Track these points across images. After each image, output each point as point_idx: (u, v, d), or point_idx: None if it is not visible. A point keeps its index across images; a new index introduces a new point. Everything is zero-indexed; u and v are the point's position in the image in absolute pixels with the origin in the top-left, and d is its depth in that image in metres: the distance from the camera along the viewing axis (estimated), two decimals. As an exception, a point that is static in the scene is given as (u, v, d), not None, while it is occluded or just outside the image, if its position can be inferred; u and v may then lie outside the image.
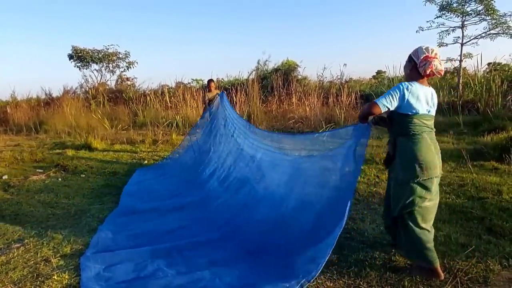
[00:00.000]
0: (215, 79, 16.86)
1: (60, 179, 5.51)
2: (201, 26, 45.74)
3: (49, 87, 17.51)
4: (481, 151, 5.43)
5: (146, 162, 6.64)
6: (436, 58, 2.30)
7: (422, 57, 2.31)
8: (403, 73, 2.57)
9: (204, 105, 7.18)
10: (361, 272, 2.50)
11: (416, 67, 2.35)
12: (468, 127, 7.99)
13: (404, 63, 2.48)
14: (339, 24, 44.84)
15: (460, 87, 11.91)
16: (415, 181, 2.29)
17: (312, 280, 2.28)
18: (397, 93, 2.25)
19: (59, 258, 2.86)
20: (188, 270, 2.64)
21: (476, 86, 10.29)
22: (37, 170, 6.13)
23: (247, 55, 42.77)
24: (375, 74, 20.82)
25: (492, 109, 8.15)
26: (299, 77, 15.47)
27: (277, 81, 13.66)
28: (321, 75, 14.61)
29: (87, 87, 17.35)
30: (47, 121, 12.21)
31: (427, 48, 2.33)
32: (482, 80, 10.24)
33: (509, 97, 8.73)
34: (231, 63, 42.52)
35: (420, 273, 2.40)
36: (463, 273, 2.41)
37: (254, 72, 16.28)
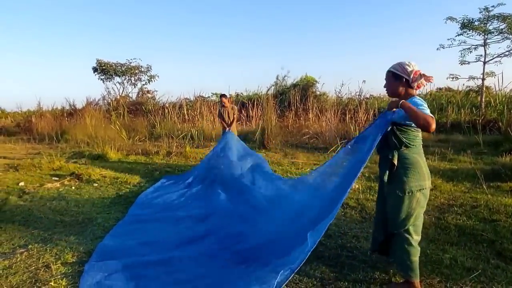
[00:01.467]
0: (234, 94, 17.28)
1: (73, 188, 5.65)
2: (223, 41, 46.64)
3: (73, 99, 18.15)
4: (498, 172, 5.23)
5: (158, 173, 6.73)
6: (420, 70, 2.39)
7: (412, 72, 2.36)
8: (387, 90, 2.52)
9: (221, 121, 7.03)
10: (358, 292, 2.43)
11: (409, 83, 2.39)
12: (488, 147, 7.73)
13: (386, 80, 2.51)
14: (360, 39, 44.76)
15: (483, 106, 11.60)
16: (421, 190, 2.35)
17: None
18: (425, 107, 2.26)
19: (60, 264, 2.91)
20: (187, 279, 2.64)
21: (499, 105, 9.99)
22: (53, 178, 6.30)
23: (267, 70, 43.21)
24: (395, 91, 20.55)
25: (514, 129, 7.86)
26: (317, 93, 15.47)
27: (295, 96, 13.72)
28: (339, 91, 14.58)
29: (109, 99, 17.96)
30: (68, 131, 12.63)
31: (409, 64, 2.39)
32: (504, 99, 9.94)
33: (533, 116, 8.41)
34: (251, 77, 42.99)
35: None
36: (466, 298, 2.30)
37: (272, 87, 16.46)
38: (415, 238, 2.39)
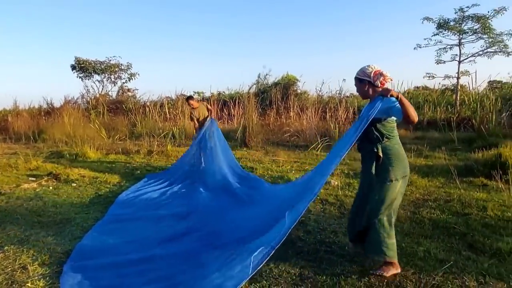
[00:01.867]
0: (215, 92, 17.22)
1: (51, 188, 5.53)
2: (204, 39, 46.28)
3: (50, 97, 17.70)
4: (471, 168, 5.44)
5: (138, 172, 6.67)
6: (380, 69, 2.63)
7: (371, 73, 2.61)
8: (360, 94, 2.80)
9: (193, 123, 6.88)
10: (335, 285, 2.49)
11: (372, 83, 2.63)
12: (462, 143, 8.01)
13: (356, 86, 2.76)
14: (342, 40, 45.30)
15: (457, 104, 11.98)
16: (405, 177, 2.59)
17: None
18: None
19: (37, 265, 2.85)
20: (169, 276, 2.65)
21: (472, 103, 10.35)
22: (30, 178, 6.15)
23: (249, 68, 43.15)
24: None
25: (487, 126, 8.17)
26: (298, 91, 15.61)
27: (276, 95, 13.80)
28: (319, 89, 14.77)
29: (88, 98, 17.58)
30: (46, 130, 12.30)
31: (369, 66, 2.66)
32: (477, 97, 10.31)
33: (504, 114, 8.76)
34: (233, 76, 42.90)
35: (390, 270, 2.57)
36: (437, 288, 2.39)
37: (254, 86, 16.50)
38: (393, 220, 2.62)
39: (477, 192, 4.51)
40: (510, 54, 11.84)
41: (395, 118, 2.55)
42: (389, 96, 2.39)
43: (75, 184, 5.75)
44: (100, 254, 3.08)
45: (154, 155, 8.25)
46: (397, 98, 2.37)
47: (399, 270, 2.60)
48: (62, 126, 12.01)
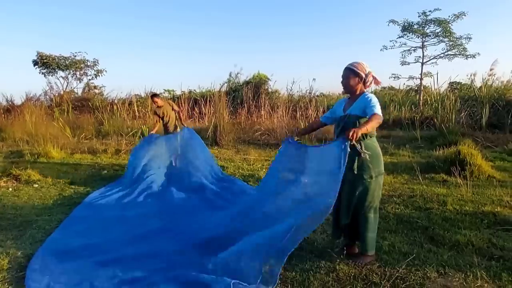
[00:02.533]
0: (187, 90, 16.96)
1: (10, 189, 5.27)
2: (174, 36, 45.49)
3: (10, 94, 16.70)
4: (433, 164, 5.70)
5: (105, 172, 6.47)
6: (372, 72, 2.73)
7: (369, 73, 2.69)
8: (345, 85, 2.79)
9: (155, 118, 6.67)
10: (305, 281, 2.53)
11: (364, 81, 2.69)
12: (425, 141, 8.37)
13: (344, 77, 2.76)
14: (313, 40, 46.02)
15: (421, 104, 12.51)
16: (382, 174, 2.73)
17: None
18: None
19: (-6, 271, 2.71)
20: (144, 276, 2.61)
21: (434, 103, 10.84)
22: (-13, 179, 5.81)
23: (221, 66, 42.88)
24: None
25: (447, 125, 8.59)
26: (269, 90, 15.70)
27: (247, 93, 13.82)
28: (290, 88, 14.93)
29: (52, 95, 16.83)
30: (5, 128, 11.66)
31: (366, 64, 2.70)
32: (439, 97, 10.81)
33: (463, 114, 9.25)
34: (205, 74, 42.38)
35: (368, 260, 2.75)
36: (401, 280, 2.49)
37: (225, 84, 16.45)
38: (376, 215, 2.77)
39: (438, 187, 4.74)
40: (468, 57, 12.52)
41: None
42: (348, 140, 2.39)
43: (37, 185, 5.50)
44: (66, 257, 2.96)
45: (122, 154, 8.03)
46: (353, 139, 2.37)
47: (373, 259, 2.79)
48: (23, 124, 11.41)
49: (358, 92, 2.73)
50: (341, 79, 2.80)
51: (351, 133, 2.34)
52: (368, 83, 2.72)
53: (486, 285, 2.43)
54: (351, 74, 2.72)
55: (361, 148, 2.56)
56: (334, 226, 3.00)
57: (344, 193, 2.77)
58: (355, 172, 2.63)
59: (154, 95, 6.56)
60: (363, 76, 2.70)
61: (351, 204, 2.73)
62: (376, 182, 2.67)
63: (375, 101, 2.57)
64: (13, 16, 34.61)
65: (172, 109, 6.65)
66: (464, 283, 2.46)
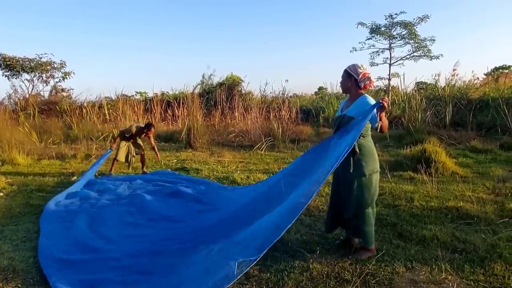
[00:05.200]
0: (159, 92, 16.66)
1: (-28, 198, 5.01)
2: (146, 37, 44.73)
3: (-30, 98, 15.87)
4: (401, 163, 5.92)
5: (75, 177, 6.27)
6: (370, 73, 2.85)
7: (361, 74, 2.77)
8: (341, 86, 2.98)
9: (118, 139, 6.37)
10: (279, 282, 2.58)
11: (357, 82, 2.79)
12: (394, 140, 8.67)
13: (341, 78, 2.92)
14: (285, 40, 46.55)
15: (389, 104, 12.94)
16: (377, 172, 2.86)
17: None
18: None
19: (-43, 286, 2.59)
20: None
21: (402, 103, 11.25)
22: None
23: (193, 68, 42.58)
24: (317, 90, 21.90)
25: (414, 124, 8.94)
26: (243, 91, 15.74)
27: (221, 95, 13.79)
28: (263, 90, 15.04)
29: (16, 98, 16.11)
30: (-35, 134, 11.03)
31: (361, 66, 2.81)
32: (406, 97, 11.23)
33: (428, 113, 9.65)
34: (177, 76, 42.04)
35: (366, 255, 2.86)
36: (371, 276, 2.59)
37: (198, 86, 16.33)
38: (373, 211, 2.92)
39: (406, 184, 4.94)
40: (433, 58, 13.10)
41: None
42: (380, 111, 2.59)
43: (1, 194, 5.25)
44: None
45: (92, 159, 7.80)
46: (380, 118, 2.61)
47: (374, 253, 2.90)
48: (-15, 129, 10.86)
49: (354, 93, 2.86)
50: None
51: (385, 103, 2.58)
52: (363, 85, 2.80)
53: (450, 277, 2.57)
54: (345, 75, 2.90)
55: (354, 147, 2.67)
56: (328, 220, 3.16)
57: (343, 191, 2.91)
58: (351, 171, 2.75)
59: (151, 125, 6.37)
60: (356, 77, 2.79)
61: (351, 202, 2.84)
62: (371, 180, 2.80)
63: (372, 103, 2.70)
64: (-29, 16, 32.86)
65: (152, 146, 6.64)
66: (430, 276, 2.59)
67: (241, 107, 12.41)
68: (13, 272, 2.80)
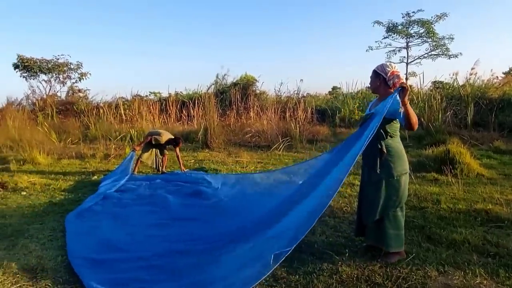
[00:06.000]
0: (173, 93, 16.75)
1: (-3, 197, 5.10)
2: (159, 39, 45.17)
3: (-11, 98, 16.25)
4: (423, 164, 5.80)
5: (96, 177, 6.34)
6: (399, 71, 2.78)
7: (389, 72, 2.71)
8: (370, 86, 2.96)
9: (142, 145, 6.45)
10: (309, 284, 2.53)
11: (385, 81, 2.72)
12: (413, 140, 8.52)
13: (370, 78, 2.88)
14: (298, 40, 46.38)
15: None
16: (406, 174, 2.78)
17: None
18: None
19: (-11, 283, 2.62)
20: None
21: (420, 103, 11.04)
22: (-29, 188, 5.62)
23: (206, 69, 42.79)
24: (330, 90, 21.71)
25: (434, 124, 8.77)
26: (257, 91, 15.70)
27: (235, 95, 13.78)
28: (278, 90, 14.97)
29: (34, 99, 16.41)
30: (-14, 134, 11.29)
31: (390, 64, 2.77)
32: (425, 97, 11.01)
33: (448, 113, 9.44)
34: (190, 76, 42.33)
35: (395, 258, 2.78)
36: (403, 280, 2.52)
37: (212, 86, 16.34)
38: (402, 214, 2.83)
39: (430, 186, 4.83)
40: (451, 57, 12.84)
41: (398, 119, 2.69)
42: (403, 94, 2.48)
43: (25, 193, 5.34)
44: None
45: (111, 159, 7.89)
46: (404, 104, 2.50)
47: (404, 256, 2.84)
48: (5, 129, 11.07)
49: (383, 92, 2.79)
50: None
51: (406, 86, 2.49)
52: (392, 83, 2.73)
53: (485, 282, 2.48)
54: (373, 75, 2.86)
55: (381, 147, 2.61)
56: (357, 224, 3.09)
57: (368, 193, 2.84)
58: (378, 172, 2.69)
59: (180, 140, 6.60)
60: (384, 76, 2.74)
61: (376, 204, 2.76)
62: (400, 181, 2.72)
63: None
64: (-9, 18, 33.65)
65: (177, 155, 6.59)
66: (464, 281, 2.51)
67: (256, 106, 12.36)
68: (42, 271, 2.82)
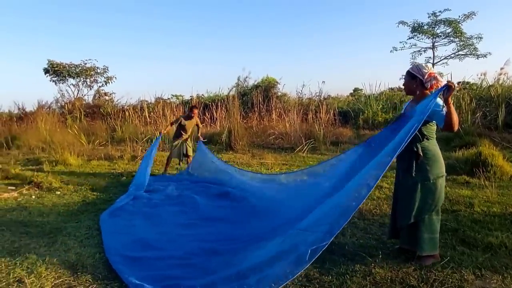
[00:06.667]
0: (195, 96, 17.05)
1: (33, 197, 5.33)
2: (181, 43, 45.94)
3: (22, 102, 16.96)
4: (453, 166, 5.66)
5: (124, 178, 6.52)
6: (435, 72, 2.70)
7: (426, 74, 2.64)
8: (405, 88, 2.91)
9: (171, 126, 7.03)
10: (342, 285, 2.53)
11: (422, 83, 2.66)
12: (441, 142, 8.21)
13: (404, 80, 2.84)
14: (318, 42, 46.17)
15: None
16: (443, 177, 2.73)
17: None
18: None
19: (34, 278, 2.74)
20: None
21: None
22: (9, 187, 5.88)
23: (227, 71, 43.21)
24: (352, 91, 21.47)
25: (463, 126, 8.53)
26: (279, 93, 15.72)
27: (257, 97, 13.86)
28: (300, 92, 14.93)
29: (63, 102, 17.04)
30: (19, 136, 11.77)
31: (426, 65, 2.71)
32: (453, 98, 10.72)
33: (478, 114, 9.17)
34: (211, 79, 42.81)
35: (429, 261, 2.74)
36: (439, 283, 2.48)
37: (234, 89, 16.48)
38: (438, 217, 2.78)
39: (462, 189, 4.72)
40: (480, 57, 12.46)
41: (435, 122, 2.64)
42: (448, 93, 2.43)
43: (59, 192, 5.56)
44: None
45: (138, 160, 8.08)
46: (447, 103, 2.44)
47: (438, 259, 2.79)
48: (37, 132, 11.57)
49: (420, 95, 2.73)
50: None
51: (452, 85, 2.44)
52: (429, 85, 2.66)
53: (526, 287, 2.41)
54: (408, 77, 2.80)
55: (417, 150, 2.57)
56: (390, 226, 3.06)
57: (403, 196, 2.81)
58: (413, 175, 2.66)
59: (194, 107, 7.03)
60: (421, 78, 2.68)
61: (410, 207, 2.72)
62: (436, 185, 2.68)
63: (442, 104, 2.52)
64: (23, 25, 35.12)
65: (196, 124, 7.05)
66: (503, 285, 2.45)
67: (279, 108, 12.38)
68: (82, 267, 2.94)
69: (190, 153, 6.94)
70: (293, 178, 4.18)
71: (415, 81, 2.73)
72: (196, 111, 6.94)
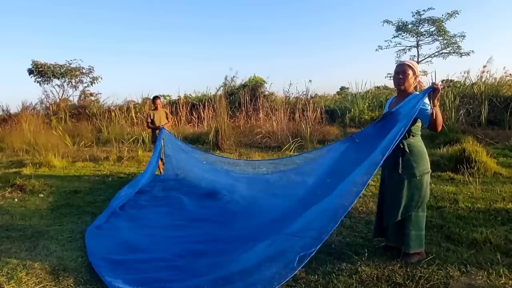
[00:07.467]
0: (182, 95, 16.91)
1: (16, 200, 5.19)
2: (168, 42, 45.54)
3: (6, 103, 16.57)
4: (438, 163, 5.73)
5: (110, 179, 6.42)
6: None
7: (419, 75, 2.75)
8: (407, 83, 2.72)
9: (149, 125, 6.62)
10: (328, 284, 2.52)
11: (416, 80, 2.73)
12: (425, 139, 8.31)
13: (405, 73, 2.69)
14: (305, 41, 46.37)
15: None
16: (428, 173, 2.75)
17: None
18: None
19: (13, 284, 2.67)
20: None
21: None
22: (-9, 191, 5.73)
23: (215, 71, 43.01)
24: (339, 90, 21.61)
25: (447, 123, 8.66)
26: (266, 93, 15.69)
27: (245, 97, 13.79)
28: (287, 90, 14.94)
29: (48, 103, 16.69)
30: (3, 138, 11.49)
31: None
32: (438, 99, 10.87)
33: (461, 111, 9.33)
34: (199, 79, 42.54)
35: (415, 259, 2.76)
36: (425, 280, 2.49)
37: (221, 88, 16.39)
38: (423, 214, 2.80)
39: (447, 185, 4.77)
40: (463, 55, 12.66)
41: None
42: (433, 94, 2.41)
43: (42, 195, 5.43)
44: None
45: (124, 161, 7.97)
46: (434, 105, 2.43)
47: (424, 256, 2.80)
48: (21, 133, 11.29)
49: (408, 90, 2.71)
50: (396, 74, 2.73)
51: (440, 86, 2.42)
52: (417, 85, 2.76)
53: (510, 282, 2.45)
54: (411, 71, 2.69)
55: (404, 147, 2.58)
56: (376, 224, 3.06)
57: (389, 194, 2.81)
58: (400, 172, 2.67)
59: (156, 97, 6.74)
60: (418, 74, 2.74)
61: (397, 204, 2.73)
62: (422, 181, 2.69)
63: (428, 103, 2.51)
64: (6, 25, 34.30)
65: (166, 116, 6.74)
66: (488, 281, 2.48)
67: (266, 107, 12.36)
68: (63, 271, 2.87)
69: (162, 155, 6.51)
70: (279, 177, 4.14)
71: (415, 77, 2.73)
72: (158, 101, 6.68)
